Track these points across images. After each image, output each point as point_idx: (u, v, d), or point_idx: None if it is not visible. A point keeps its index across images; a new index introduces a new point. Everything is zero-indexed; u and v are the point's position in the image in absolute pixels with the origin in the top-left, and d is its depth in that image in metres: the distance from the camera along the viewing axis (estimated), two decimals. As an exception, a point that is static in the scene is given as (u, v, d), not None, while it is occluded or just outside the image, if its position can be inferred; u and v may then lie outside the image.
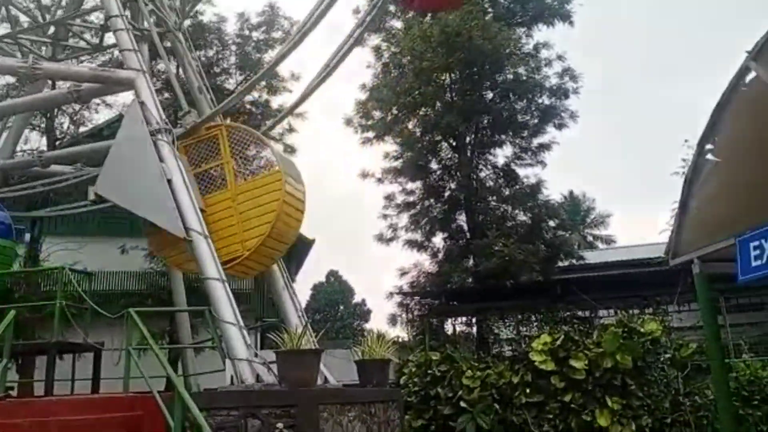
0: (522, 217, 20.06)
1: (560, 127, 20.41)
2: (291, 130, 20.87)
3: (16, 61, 12.29)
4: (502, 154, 20.75)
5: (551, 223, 20.02)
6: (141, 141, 10.03)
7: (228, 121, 16.81)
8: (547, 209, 19.92)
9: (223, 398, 7.43)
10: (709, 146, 5.59)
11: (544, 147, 20.51)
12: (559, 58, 20.14)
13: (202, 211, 10.06)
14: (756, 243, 4.87)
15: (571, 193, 39.55)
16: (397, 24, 21.45)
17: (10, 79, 17.78)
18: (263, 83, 19.36)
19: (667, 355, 12.95)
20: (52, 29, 15.48)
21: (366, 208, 69.60)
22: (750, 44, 5.10)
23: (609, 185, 79.41)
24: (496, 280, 17.06)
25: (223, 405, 7.12)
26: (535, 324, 17.97)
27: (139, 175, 9.84)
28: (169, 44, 14.82)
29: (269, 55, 20.05)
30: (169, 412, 6.21)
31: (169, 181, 9.77)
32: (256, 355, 8.90)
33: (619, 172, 79.73)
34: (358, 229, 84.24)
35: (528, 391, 13.35)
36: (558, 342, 13.30)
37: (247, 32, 20.63)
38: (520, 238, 18.30)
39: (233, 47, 20.29)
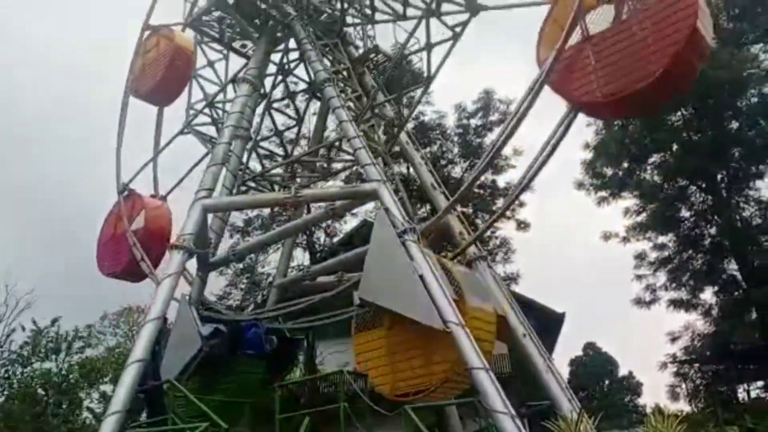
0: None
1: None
2: (521, 204, 20.85)
3: (281, 194, 14.16)
4: (765, 186, 18.31)
5: None
6: (391, 245, 10.81)
7: (459, 208, 17.36)
8: None
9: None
10: None
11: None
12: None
13: (455, 301, 10.33)
14: None
15: None
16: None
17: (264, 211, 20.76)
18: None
19: None
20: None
21: (613, 272, 64.99)
22: None
23: None
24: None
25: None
26: None
27: (394, 276, 10.53)
28: (398, 149, 16.07)
29: (489, 138, 20.67)
30: None
31: (421, 277, 10.28)
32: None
33: None
34: (608, 295, 78.65)
35: None
36: None
37: (465, 121, 21.64)
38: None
39: (455, 138, 21.35)
